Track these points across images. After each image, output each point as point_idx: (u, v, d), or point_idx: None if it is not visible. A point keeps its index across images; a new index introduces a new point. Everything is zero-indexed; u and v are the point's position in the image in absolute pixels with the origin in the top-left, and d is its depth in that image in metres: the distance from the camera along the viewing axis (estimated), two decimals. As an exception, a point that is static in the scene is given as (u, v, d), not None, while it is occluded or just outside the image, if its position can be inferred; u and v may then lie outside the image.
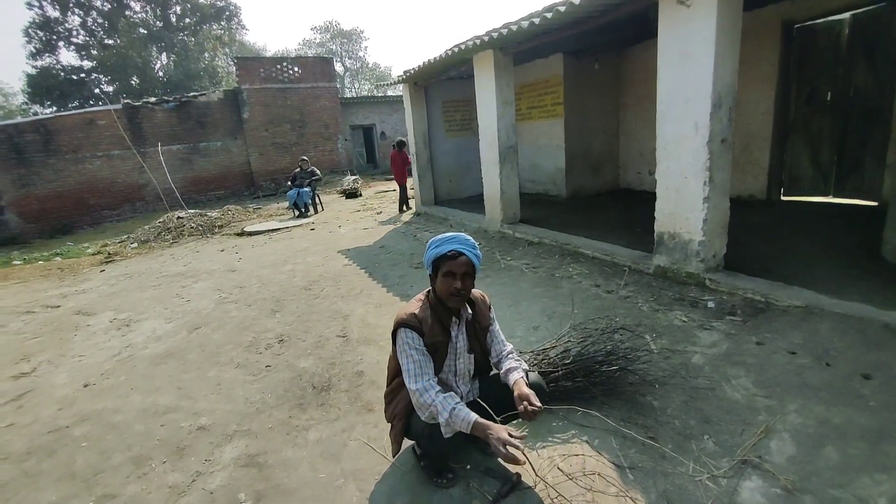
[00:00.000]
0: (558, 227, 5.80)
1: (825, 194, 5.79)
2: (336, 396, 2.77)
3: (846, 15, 5.20)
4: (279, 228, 8.77)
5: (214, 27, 27.69)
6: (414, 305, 1.93)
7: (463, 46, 5.49)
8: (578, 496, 1.87)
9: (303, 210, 10.03)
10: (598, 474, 1.98)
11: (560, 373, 2.44)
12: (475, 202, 8.52)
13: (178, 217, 9.88)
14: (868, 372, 2.39)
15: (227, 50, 29.24)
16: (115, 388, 3.13)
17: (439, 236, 1.90)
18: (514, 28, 4.46)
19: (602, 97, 7.95)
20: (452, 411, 1.70)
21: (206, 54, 27.37)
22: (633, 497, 1.85)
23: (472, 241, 1.91)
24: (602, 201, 7.65)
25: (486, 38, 5.06)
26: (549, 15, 3.96)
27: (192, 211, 10.52)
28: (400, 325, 1.86)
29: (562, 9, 3.80)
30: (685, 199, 3.65)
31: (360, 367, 3.09)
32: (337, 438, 2.38)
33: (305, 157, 10.87)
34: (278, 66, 15.91)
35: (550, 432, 2.27)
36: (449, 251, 1.83)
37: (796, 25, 5.58)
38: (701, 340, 2.96)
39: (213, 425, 2.57)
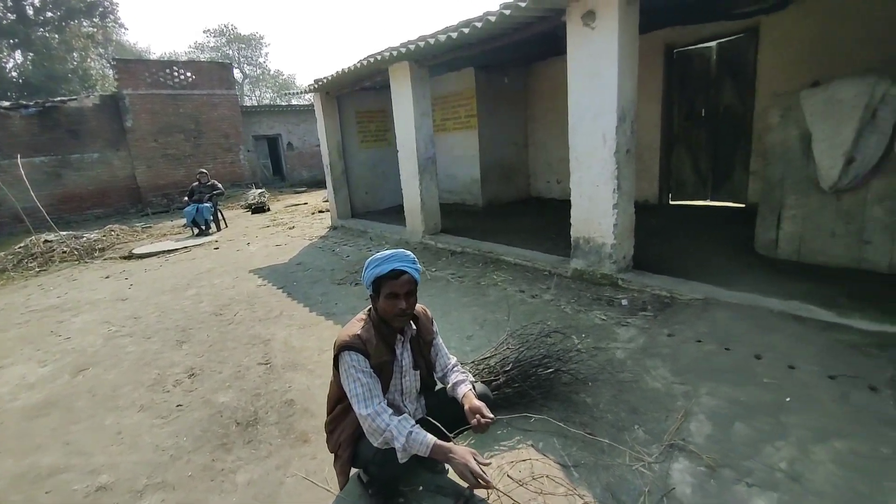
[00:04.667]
0: (478, 236, 5.95)
1: (704, 198, 6.62)
2: (265, 431, 2.53)
3: (713, 43, 6.03)
4: (176, 249, 7.93)
5: (85, 24, 24.51)
6: (356, 326, 1.83)
7: (379, 57, 5.44)
8: (531, 501, 1.89)
9: (203, 228, 9.18)
10: (547, 476, 2.02)
11: (501, 380, 2.47)
12: (393, 214, 8.45)
13: (46, 240, 8.49)
14: (759, 353, 2.73)
15: (101, 50, 26.03)
16: (-23, 453, 2.57)
17: (378, 255, 1.82)
18: (432, 41, 4.52)
19: (511, 110, 8.36)
20: (409, 435, 1.63)
21: (76, 54, 24.09)
22: (580, 494, 1.91)
23: (412, 255, 1.86)
24: (516, 209, 8.00)
25: (402, 50, 5.06)
26: (466, 30, 4.07)
27: (65, 233, 9.12)
28: (343, 347, 1.75)
29: (478, 24, 3.93)
30: (597, 205, 3.93)
31: (290, 395, 2.86)
32: (271, 477, 2.16)
33: (204, 170, 9.96)
34: (167, 71, 14.50)
35: (496, 441, 2.28)
36: (390, 270, 1.77)
37: (675, 50, 6.35)
38: (620, 336, 3.18)
39: (116, 483, 2.20)
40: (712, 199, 6.54)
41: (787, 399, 2.34)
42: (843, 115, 3.41)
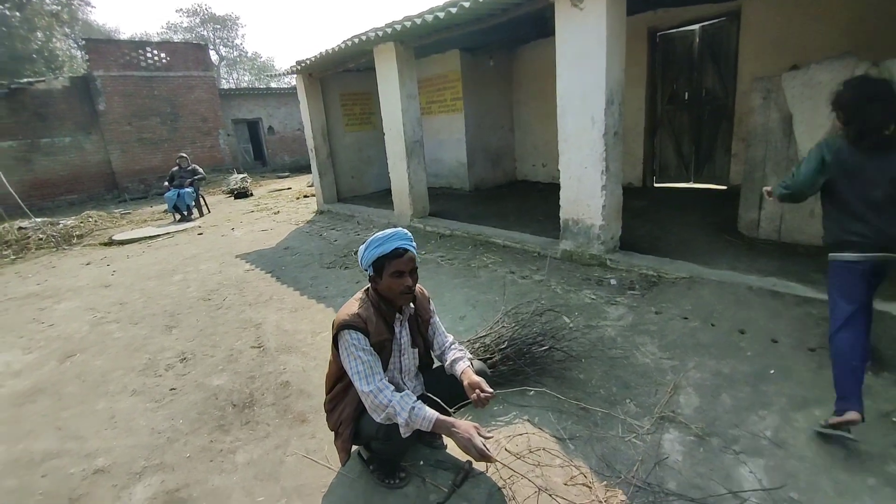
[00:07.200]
0: (466, 219, 5.96)
1: (687, 181, 6.74)
2: (262, 412, 2.54)
3: (696, 26, 6.07)
4: (159, 235, 7.76)
5: (48, 1, 23.31)
6: (354, 305, 1.84)
7: (364, 38, 5.33)
8: (529, 472, 1.95)
9: (185, 213, 8.99)
10: (543, 449, 2.08)
11: (496, 358, 2.52)
12: (380, 198, 8.41)
13: (20, 228, 8.22)
14: (742, 328, 2.84)
15: (66, 30, 24.83)
16: (-35, 442, 2.52)
17: (379, 234, 1.83)
18: (418, 21, 4.45)
19: (497, 93, 8.32)
20: (412, 411, 1.66)
21: (39, 33, 22.94)
22: (576, 465, 1.98)
23: (410, 234, 1.88)
24: (503, 193, 8.02)
25: (388, 31, 4.97)
26: (453, 10, 4.02)
27: (40, 219, 8.84)
28: (343, 326, 1.76)
29: (466, 4, 3.88)
30: (586, 187, 3.97)
31: (285, 377, 2.87)
32: (270, 456, 2.18)
33: (184, 154, 9.72)
34: (140, 51, 13.98)
35: (493, 416, 2.33)
36: (393, 249, 1.78)
37: (659, 33, 6.38)
38: (610, 315, 3.26)
39: (113, 465, 2.20)
40: (695, 182, 6.66)
41: (771, 371, 2.44)
42: (823, 97, 3.49)
